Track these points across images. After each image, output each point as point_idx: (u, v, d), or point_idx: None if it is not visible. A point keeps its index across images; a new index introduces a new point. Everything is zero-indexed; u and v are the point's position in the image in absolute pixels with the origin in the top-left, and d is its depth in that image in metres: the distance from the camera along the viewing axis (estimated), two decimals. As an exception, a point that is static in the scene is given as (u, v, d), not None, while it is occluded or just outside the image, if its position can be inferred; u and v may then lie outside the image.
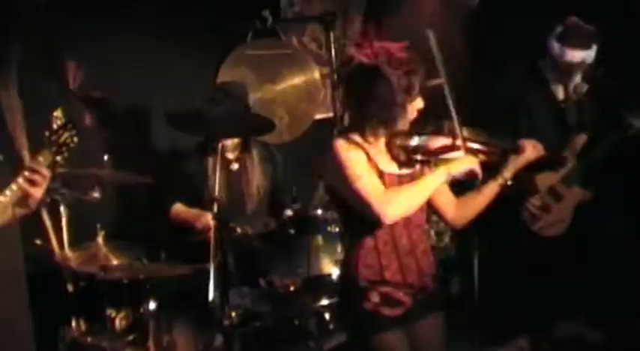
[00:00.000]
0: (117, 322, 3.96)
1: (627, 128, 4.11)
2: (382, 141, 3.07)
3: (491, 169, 3.22)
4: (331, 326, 4.05)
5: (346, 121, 3.31)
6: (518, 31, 5.03)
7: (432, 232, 5.03)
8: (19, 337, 3.19)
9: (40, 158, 2.89)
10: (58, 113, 2.94)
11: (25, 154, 3.08)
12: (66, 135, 2.93)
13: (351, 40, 5.36)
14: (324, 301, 4.04)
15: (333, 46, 4.44)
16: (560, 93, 4.39)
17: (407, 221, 3.07)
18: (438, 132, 3.10)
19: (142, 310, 3.95)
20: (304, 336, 4.03)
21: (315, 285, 4.09)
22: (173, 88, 4.88)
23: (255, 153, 4.55)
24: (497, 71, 4.83)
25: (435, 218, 4.32)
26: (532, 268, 4.44)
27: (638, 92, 4.19)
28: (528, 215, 4.39)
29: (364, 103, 3.01)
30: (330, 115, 4.59)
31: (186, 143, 4.62)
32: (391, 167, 3.07)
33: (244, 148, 4.53)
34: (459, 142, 3.07)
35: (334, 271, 4.08)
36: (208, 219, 4.16)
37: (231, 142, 4.45)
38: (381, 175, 3.02)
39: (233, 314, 3.80)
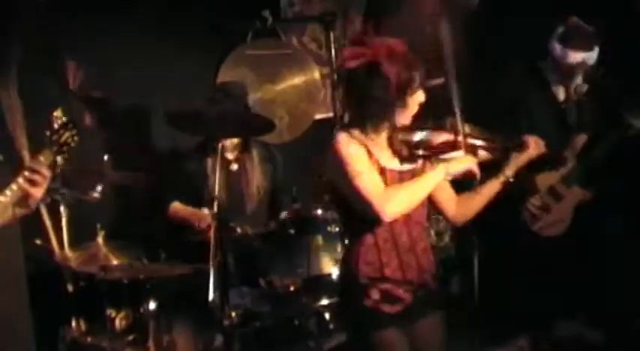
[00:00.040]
0: (117, 322, 3.96)
1: (627, 128, 4.10)
2: (383, 136, 3.06)
3: (492, 168, 3.22)
4: (331, 326, 4.05)
5: (346, 120, 3.31)
6: (518, 31, 5.02)
7: (432, 232, 5.03)
8: (19, 337, 3.19)
9: (41, 158, 2.89)
10: (58, 113, 2.94)
11: (25, 154, 3.08)
12: (67, 134, 2.93)
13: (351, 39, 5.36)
14: (324, 301, 4.04)
15: (333, 46, 4.44)
16: (560, 94, 4.38)
17: (407, 218, 3.07)
18: (440, 127, 3.10)
19: (142, 310, 3.95)
20: (304, 336, 4.03)
21: (315, 285, 4.08)
22: (173, 88, 4.88)
23: (255, 153, 4.55)
24: (497, 71, 4.83)
25: (434, 217, 4.33)
26: (532, 268, 4.44)
27: (638, 92, 4.19)
28: (528, 215, 4.39)
29: (364, 103, 3.01)
30: (330, 115, 4.60)
31: (186, 143, 4.62)
32: (392, 163, 3.07)
33: (244, 148, 4.53)
34: (460, 137, 3.07)
35: (334, 271, 4.08)
36: (206, 216, 4.16)
37: (230, 142, 4.45)
38: (382, 170, 3.02)
39: (233, 314, 3.80)
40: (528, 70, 4.45)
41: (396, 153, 3.07)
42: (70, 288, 4.06)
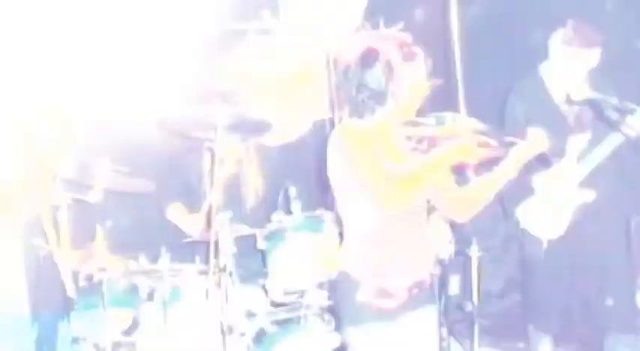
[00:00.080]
0: (117, 322, 3.96)
1: (627, 128, 4.11)
2: (385, 130, 3.05)
3: (492, 166, 3.21)
4: (331, 326, 4.05)
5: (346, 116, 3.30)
6: (518, 31, 5.03)
7: (430, 231, 5.03)
8: (19, 337, 3.20)
9: None
10: None
11: None
12: None
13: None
14: (324, 301, 4.04)
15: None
16: (561, 94, 4.38)
17: (405, 214, 3.06)
18: (442, 122, 3.10)
19: (141, 310, 3.95)
20: (305, 336, 4.03)
21: (315, 285, 4.09)
22: (171, 89, 4.87)
23: (254, 153, 4.54)
24: (497, 71, 4.84)
25: (434, 215, 4.33)
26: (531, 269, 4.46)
27: (637, 92, 4.19)
28: (527, 215, 4.40)
29: (364, 94, 2.99)
30: (330, 115, 4.60)
31: (186, 143, 4.62)
32: (394, 157, 3.05)
33: (242, 149, 4.53)
34: (464, 132, 3.06)
35: (332, 270, 4.08)
36: (200, 223, 4.18)
37: (230, 143, 4.44)
38: (383, 163, 2.99)
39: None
40: (528, 71, 4.46)
41: (398, 147, 3.06)
42: (70, 288, 4.06)
